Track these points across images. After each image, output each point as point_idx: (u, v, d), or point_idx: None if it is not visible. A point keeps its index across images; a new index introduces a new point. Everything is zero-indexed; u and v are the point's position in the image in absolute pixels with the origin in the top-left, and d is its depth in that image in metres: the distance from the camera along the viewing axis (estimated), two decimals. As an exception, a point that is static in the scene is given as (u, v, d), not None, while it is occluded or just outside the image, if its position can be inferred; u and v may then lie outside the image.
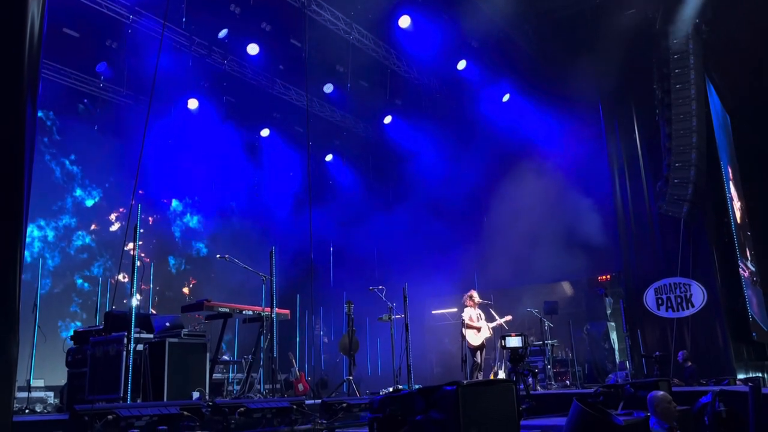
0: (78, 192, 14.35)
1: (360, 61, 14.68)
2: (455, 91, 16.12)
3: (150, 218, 15.27)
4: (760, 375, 13.30)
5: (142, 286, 11.55)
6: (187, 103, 14.60)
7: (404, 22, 13.70)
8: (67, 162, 14.08)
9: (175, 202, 16.35)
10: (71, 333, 8.37)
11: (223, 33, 13.67)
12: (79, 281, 13.95)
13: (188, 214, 16.60)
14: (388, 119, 16.85)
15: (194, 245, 16.64)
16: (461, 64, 15.04)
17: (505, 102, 15.90)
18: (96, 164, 14.30)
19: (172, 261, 15.99)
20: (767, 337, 14.47)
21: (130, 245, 7.06)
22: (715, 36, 13.29)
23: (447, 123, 16.96)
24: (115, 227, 14.94)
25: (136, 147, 14.34)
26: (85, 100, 14.00)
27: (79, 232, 14.17)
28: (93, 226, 14.44)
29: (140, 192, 13.84)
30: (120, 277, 12.74)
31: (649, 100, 13.22)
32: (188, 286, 16.26)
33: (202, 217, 16.84)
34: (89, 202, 14.52)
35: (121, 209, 14.84)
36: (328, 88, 15.76)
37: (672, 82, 12.46)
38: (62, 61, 12.79)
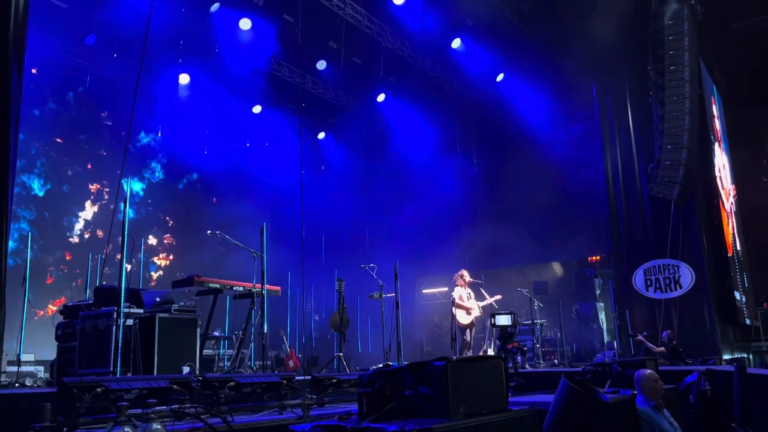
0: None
1: (354, 37, 14.52)
2: (449, 70, 16.00)
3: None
4: (746, 355, 13.47)
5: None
6: (178, 78, 14.45)
7: (399, -2, 13.54)
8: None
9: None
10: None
11: (215, 7, 13.47)
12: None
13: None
14: (381, 97, 16.73)
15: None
16: (456, 43, 14.91)
17: (499, 81, 15.82)
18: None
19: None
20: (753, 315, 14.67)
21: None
22: (710, 18, 13.22)
23: (440, 102, 16.88)
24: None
25: (118, 114, 14.22)
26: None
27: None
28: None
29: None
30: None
31: (643, 81, 13.18)
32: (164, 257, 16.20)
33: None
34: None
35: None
36: (321, 65, 15.60)
37: (666, 64, 12.39)
38: (50, 32, 12.58)
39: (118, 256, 12.19)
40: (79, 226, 14.58)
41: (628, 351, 12.11)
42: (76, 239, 14.32)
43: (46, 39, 12.47)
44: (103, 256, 10.78)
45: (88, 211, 14.78)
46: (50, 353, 9.19)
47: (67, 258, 14.12)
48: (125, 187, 6.95)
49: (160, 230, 16.31)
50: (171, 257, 16.34)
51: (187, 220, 16.53)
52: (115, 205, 5.13)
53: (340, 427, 3.42)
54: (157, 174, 16.29)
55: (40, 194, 13.94)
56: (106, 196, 14.96)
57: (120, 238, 6.74)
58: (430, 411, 3.46)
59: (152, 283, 15.46)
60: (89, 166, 14.88)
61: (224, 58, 14.34)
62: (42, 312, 12.88)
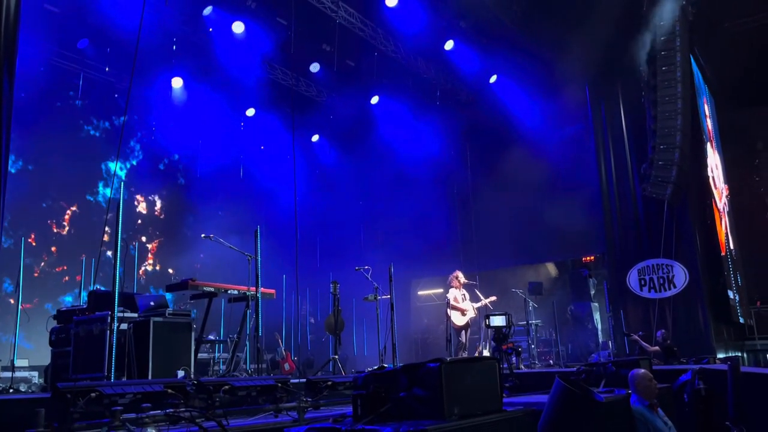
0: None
1: (347, 40, 14.52)
2: (443, 72, 16.04)
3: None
4: (740, 354, 13.54)
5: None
6: (170, 82, 14.42)
7: (391, 0, 13.54)
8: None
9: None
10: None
11: (208, 10, 13.46)
12: None
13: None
14: (375, 99, 16.74)
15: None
16: (449, 45, 14.94)
17: (492, 83, 15.86)
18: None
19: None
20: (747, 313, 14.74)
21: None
22: (701, 18, 13.30)
23: (434, 104, 16.91)
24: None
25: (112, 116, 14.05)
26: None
27: None
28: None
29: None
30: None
31: (635, 82, 13.24)
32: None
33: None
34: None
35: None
36: (315, 67, 15.61)
37: (658, 65, 12.46)
38: (43, 37, 12.53)
39: (103, 248, 12.10)
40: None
41: (623, 351, 12.15)
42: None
43: (37, 43, 12.43)
44: (97, 259, 10.69)
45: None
46: (45, 359, 9.15)
47: (54, 252, 13.95)
48: (120, 190, 6.93)
49: (149, 230, 16.21)
50: (161, 256, 16.28)
51: (179, 221, 16.45)
52: (108, 206, 5.11)
53: (334, 429, 3.43)
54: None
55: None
56: (94, 190, 14.82)
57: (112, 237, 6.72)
58: (425, 412, 3.47)
59: (141, 275, 15.41)
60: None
61: (218, 62, 14.30)
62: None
